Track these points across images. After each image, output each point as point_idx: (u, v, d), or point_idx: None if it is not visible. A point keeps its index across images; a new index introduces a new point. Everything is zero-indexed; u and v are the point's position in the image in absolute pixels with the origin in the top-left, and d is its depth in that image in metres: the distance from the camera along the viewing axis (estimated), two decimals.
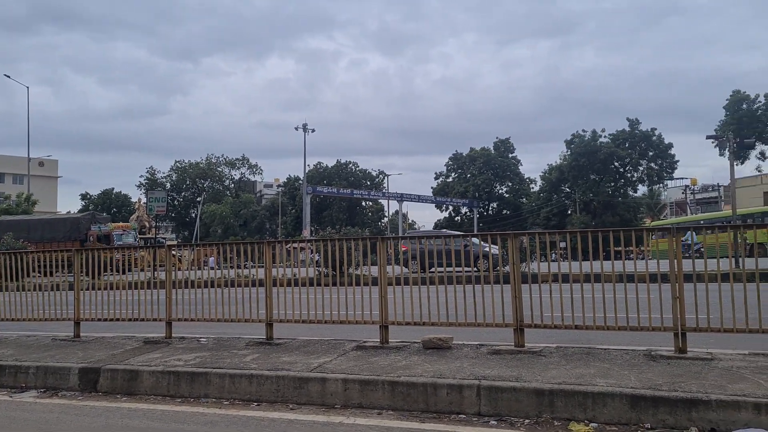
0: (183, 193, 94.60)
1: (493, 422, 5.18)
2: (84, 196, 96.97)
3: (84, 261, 9.12)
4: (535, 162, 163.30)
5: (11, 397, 6.90)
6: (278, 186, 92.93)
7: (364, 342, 7.46)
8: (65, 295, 9.04)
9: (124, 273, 9.13)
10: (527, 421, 5.14)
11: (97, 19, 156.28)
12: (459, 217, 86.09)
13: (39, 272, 9.34)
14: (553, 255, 13.57)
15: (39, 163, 71.57)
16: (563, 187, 79.49)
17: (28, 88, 47.41)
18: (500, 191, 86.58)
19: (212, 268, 10.04)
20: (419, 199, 74.37)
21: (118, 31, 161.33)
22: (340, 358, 6.74)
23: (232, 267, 8.73)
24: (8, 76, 47.31)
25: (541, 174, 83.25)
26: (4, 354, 8.01)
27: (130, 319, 8.64)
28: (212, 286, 8.40)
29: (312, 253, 9.83)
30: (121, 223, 48.63)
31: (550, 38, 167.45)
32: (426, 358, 6.53)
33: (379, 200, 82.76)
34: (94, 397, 6.73)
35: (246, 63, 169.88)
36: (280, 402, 6.06)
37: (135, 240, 41.80)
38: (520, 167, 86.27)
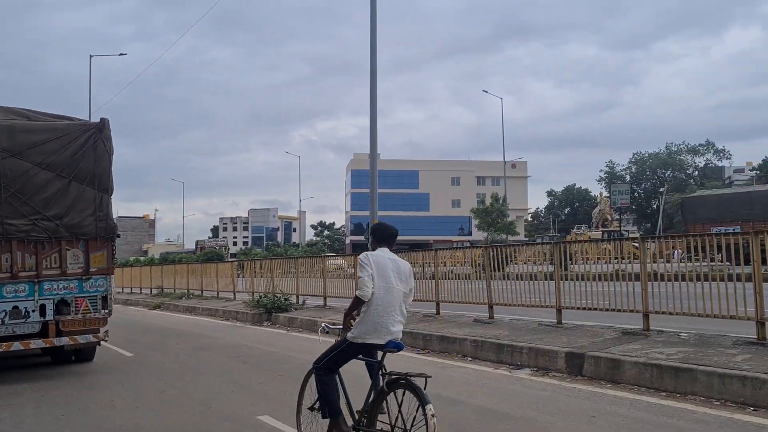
0: (643, 185, 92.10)
1: None
2: (549, 193, 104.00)
3: None
4: None
5: (510, 372, 7.94)
6: (751, 169, 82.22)
7: None
8: (547, 284, 9.88)
9: None
10: None
11: (550, 27, 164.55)
12: None
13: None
14: None
15: (512, 165, 79.33)
16: None
17: (501, 99, 52.62)
18: None
19: (680, 261, 9.59)
20: None
21: (569, 34, 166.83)
22: None
23: (702, 261, 8.17)
24: (486, 91, 54.34)
25: None
26: (501, 334, 9.26)
27: (606, 309, 8.94)
28: (682, 280, 8.04)
29: None
30: None
31: None
32: None
33: None
34: (579, 381, 7.22)
35: (701, 41, 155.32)
36: None
37: None
38: None
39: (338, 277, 16.74)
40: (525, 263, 11.35)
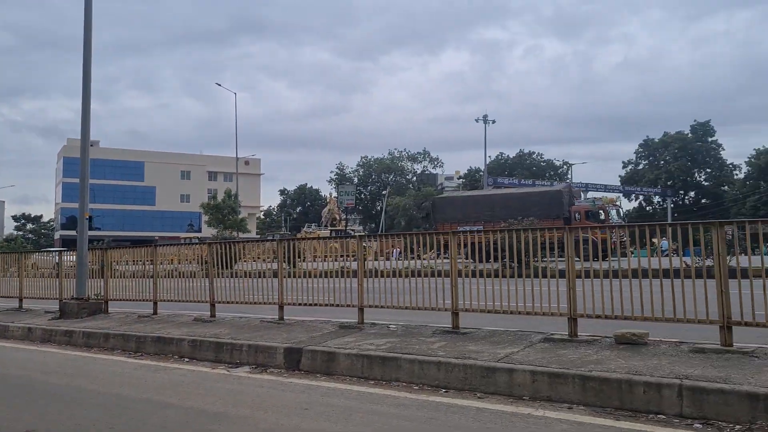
0: (369, 187, 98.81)
1: (698, 425, 4.82)
2: (282, 191, 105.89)
3: None
4: (736, 146, 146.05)
5: (228, 371, 7.76)
6: (459, 178, 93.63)
7: (552, 335, 7.30)
8: (272, 281, 9.91)
9: None
10: (738, 426, 4.72)
11: (286, 27, 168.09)
12: (650, 208, 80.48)
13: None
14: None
15: (245, 162, 78.77)
16: None
17: (235, 94, 52.33)
18: (698, 179, 79.57)
19: (397, 259, 10.39)
20: (605, 188, 70.73)
21: (304, 37, 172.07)
22: (527, 350, 6.68)
23: (416, 258, 8.99)
24: (219, 84, 53.24)
25: (747, 159, 74.95)
26: (222, 333, 9.02)
27: (327, 305, 9.27)
28: (398, 276, 8.72)
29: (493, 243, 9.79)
30: (612, 196, 39.61)
31: (748, 8, 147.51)
32: (619, 354, 6.24)
33: None
34: (297, 375, 7.34)
35: (421, 58, 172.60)
36: (467, 390, 6.15)
37: (621, 217, 31.89)
38: (721, 152, 78.66)
39: (41, 276, 14.85)
40: (255, 261, 11.27)
